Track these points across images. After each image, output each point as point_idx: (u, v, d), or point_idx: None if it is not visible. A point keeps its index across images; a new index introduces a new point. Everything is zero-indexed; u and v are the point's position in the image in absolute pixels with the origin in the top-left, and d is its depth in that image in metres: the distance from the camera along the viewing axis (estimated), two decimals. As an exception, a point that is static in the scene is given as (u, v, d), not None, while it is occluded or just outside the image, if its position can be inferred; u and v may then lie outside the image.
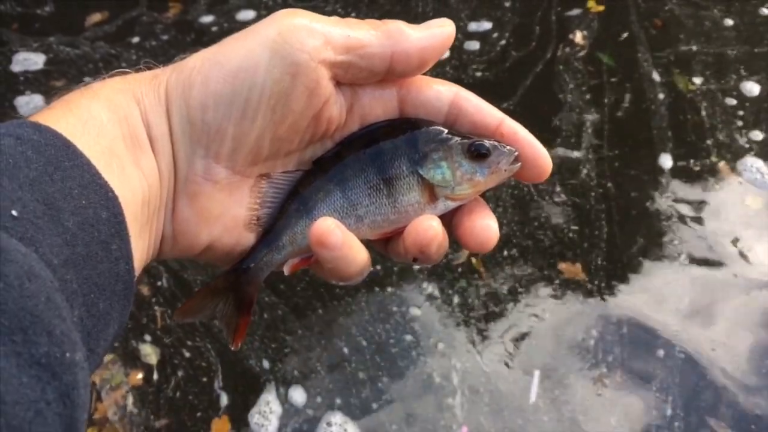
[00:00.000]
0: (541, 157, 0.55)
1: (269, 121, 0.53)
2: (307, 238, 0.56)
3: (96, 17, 2.68)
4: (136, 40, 2.66)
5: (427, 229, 0.53)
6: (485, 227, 0.55)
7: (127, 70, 0.57)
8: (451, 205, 0.57)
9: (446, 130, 0.56)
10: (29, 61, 2.58)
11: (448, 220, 0.58)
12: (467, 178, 0.56)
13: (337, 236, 0.52)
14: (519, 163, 0.55)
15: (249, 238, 0.58)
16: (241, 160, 0.55)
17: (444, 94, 0.57)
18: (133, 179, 0.51)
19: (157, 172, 0.53)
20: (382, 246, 0.60)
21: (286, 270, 0.59)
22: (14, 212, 0.41)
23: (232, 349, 0.60)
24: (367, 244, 0.57)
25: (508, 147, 0.55)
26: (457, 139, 0.56)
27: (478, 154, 0.55)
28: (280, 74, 0.51)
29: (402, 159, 0.57)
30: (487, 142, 0.55)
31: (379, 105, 0.57)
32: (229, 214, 0.56)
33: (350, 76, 0.54)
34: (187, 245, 0.56)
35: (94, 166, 0.47)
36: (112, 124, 0.51)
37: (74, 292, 0.42)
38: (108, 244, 0.46)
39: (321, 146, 0.59)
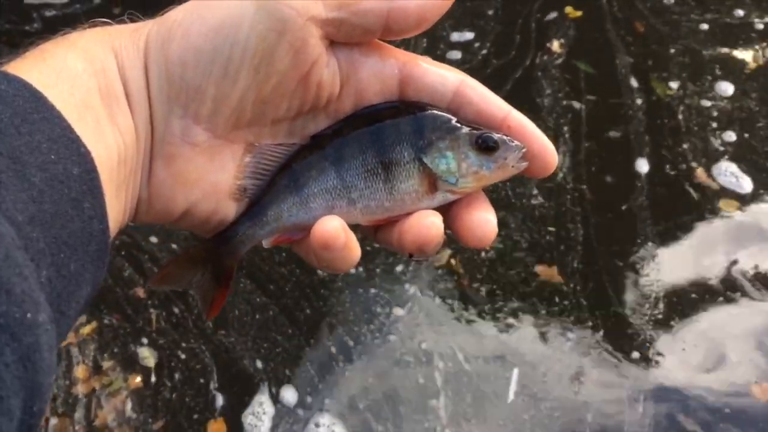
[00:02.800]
0: (547, 150, 0.52)
1: (252, 81, 0.50)
2: (294, 216, 0.55)
3: None
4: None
5: (430, 227, 0.51)
6: (484, 222, 0.52)
7: (108, 21, 0.54)
8: (451, 197, 0.54)
9: (455, 118, 0.53)
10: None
11: (444, 211, 0.54)
12: (472, 171, 0.53)
13: (341, 240, 0.50)
14: (526, 162, 0.53)
15: (229, 206, 0.55)
16: (222, 123, 0.51)
17: (449, 80, 0.53)
18: (108, 136, 0.48)
19: (134, 130, 0.50)
20: (371, 231, 0.57)
21: (265, 243, 0.57)
22: None
23: (206, 319, 0.63)
24: (355, 228, 0.54)
25: (516, 142, 0.52)
26: (465, 128, 0.53)
27: (486, 147, 0.52)
28: (265, 30, 0.48)
29: (405, 144, 0.53)
30: (496, 135, 0.52)
31: (377, 82, 0.53)
32: (208, 179, 0.53)
33: (343, 34, 0.51)
34: (163, 209, 0.53)
35: (65, 119, 0.44)
36: (88, 76, 0.48)
37: (41, 251, 0.40)
38: (79, 202, 0.43)
39: (313, 119, 0.55)
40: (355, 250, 0.51)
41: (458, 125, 0.53)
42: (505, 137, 0.52)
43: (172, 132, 0.51)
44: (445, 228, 0.52)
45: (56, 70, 0.47)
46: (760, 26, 2.67)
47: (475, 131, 0.53)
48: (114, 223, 0.48)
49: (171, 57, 0.49)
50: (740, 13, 2.71)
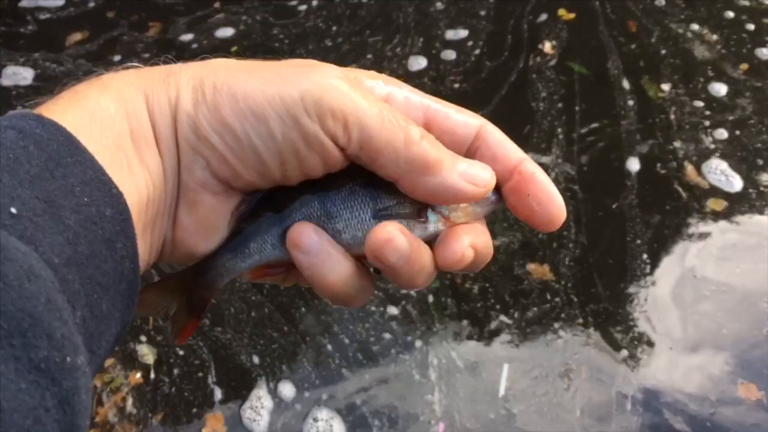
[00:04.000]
0: (555, 204, 0.52)
1: (277, 167, 0.50)
2: (277, 247, 0.53)
3: (77, 36, 2.73)
4: (117, 58, 2.70)
5: (381, 231, 0.50)
6: (459, 250, 0.51)
7: (140, 66, 0.54)
8: (441, 228, 0.52)
9: None
10: (18, 75, 2.62)
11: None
12: (463, 206, 0.52)
13: (312, 238, 0.51)
14: (502, 203, 0.53)
15: None
16: (241, 186, 0.52)
17: (471, 124, 0.53)
18: (138, 177, 0.49)
19: (162, 172, 0.51)
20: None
21: (245, 278, 0.55)
22: (13, 210, 0.39)
23: (174, 343, 0.61)
24: None
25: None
26: None
27: None
28: (294, 137, 0.49)
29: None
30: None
31: None
32: (227, 227, 0.54)
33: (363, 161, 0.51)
34: (186, 253, 0.54)
35: (97, 161, 0.45)
36: (120, 118, 0.48)
37: (76, 292, 0.40)
38: (113, 243, 0.44)
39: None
40: (337, 260, 0.51)
41: None
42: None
43: (195, 179, 0.52)
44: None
45: (89, 111, 0.48)
46: (751, 27, 2.70)
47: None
48: (141, 262, 0.48)
49: (200, 119, 0.50)
50: (731, 14, 2.75)
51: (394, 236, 0.49)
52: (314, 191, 0.53)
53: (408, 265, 0.50)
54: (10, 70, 2.65)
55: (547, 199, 0.51)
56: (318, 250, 0.51)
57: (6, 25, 2.82)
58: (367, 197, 0.52)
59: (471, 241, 0.52)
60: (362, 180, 0.52)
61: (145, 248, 0.50)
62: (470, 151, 0.53)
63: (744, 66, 2.55)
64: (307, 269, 0.51)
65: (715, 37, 2.66)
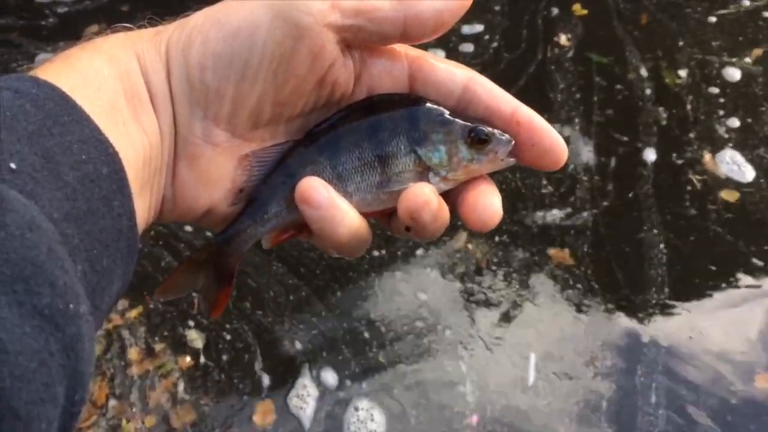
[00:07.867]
0: (557, 144, 0.52)
1: (270, 85, 0.50)
2: (293, 211, 0.55)
3: (94, 28, 2.77)
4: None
5: (419, 195, 0.50)
6: (488, 205, 0.52)
7: (130, 26, 0.55)
8: (443, 187, 0.54)
9: (447, 111, 0.53)
10: (50, 61, 2.71)
11: (450, 194, 0.55)
12: (463, 164, 0.53)
13: (322, 194, 0.51)
14: (513, 159, 0.53)
15: None
16: (241, 124, 0.52)
17: (458, 77, 0.53)
18: (134, 136, 0.49)
19: (158, 130, 0.51)
20: (385, 221, 0.57)
21: (266, 244, 0.57)
22: (13, 165, 0.39)
23: (209, 318, 0.60)
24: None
25: (506, 136, 0.52)
26: (459, 122, 0.53)
27: (478, 140, 0.52)
28: (282, 37, 0.48)
29: (401, 137, 0.54)
30: (487, 129, 0.52)
31: (388, 78, 0.54)
32: (228, 178, 0.54)
33: (360, 40, 0.51)
34: (187, 209, 0.54)
35: (93, 121, 0.45)
36: (114, 79, 0.49)
37: (76, 246, 0.41)
38: (109, 200, 0.44)
39: (326, 113, 0.55)
40: (346, 213, 0.52)
41: (451, 118, 0.53)
42: (495, 131, 0.53)
43: (194, 133, 0.52)
44: (452, 211, 0.53)
45: (83, 73, 0.48)
46: (767, 14, 2.73)
47: (467, 124, 0.53)
48: (139, 220, 0.48)
49: (191, 61, 0.50)
50: (746, 3, 2.77)
51: (430, 199, 0.50)
52: (326, 155, 0.54)
53: (436, 222, 0.51)
54: (42, 56, 2.71)
55: (550, 141, 0.52)
56: (328, 204, 0.51)
57: (25, 19, 2.87)
58: (376, 161, 0.54)
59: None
60: (371, 144, 0.54)
61: (144, 206, 0.51)
62: (460, 104, 0.54)
63: (758, 52, 2.57)
64: (316, 223, 0.51)
65: (730, 26, 2.68)
